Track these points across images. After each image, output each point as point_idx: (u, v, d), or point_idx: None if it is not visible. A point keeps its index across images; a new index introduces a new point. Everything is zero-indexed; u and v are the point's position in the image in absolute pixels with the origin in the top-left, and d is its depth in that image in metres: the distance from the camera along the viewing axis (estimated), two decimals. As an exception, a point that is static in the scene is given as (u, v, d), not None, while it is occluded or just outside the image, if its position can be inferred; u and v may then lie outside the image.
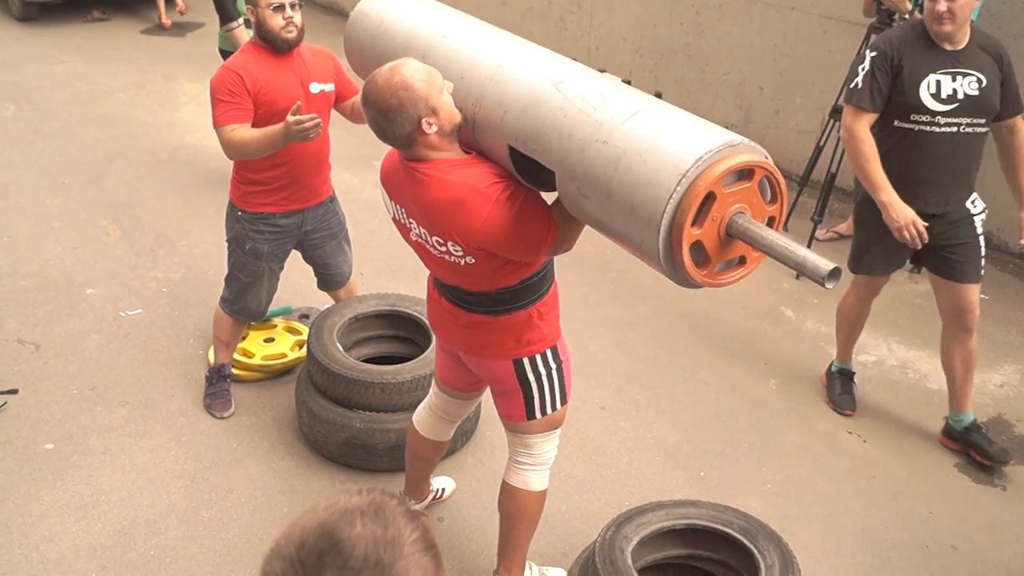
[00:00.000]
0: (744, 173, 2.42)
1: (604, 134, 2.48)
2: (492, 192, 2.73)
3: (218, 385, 4.57)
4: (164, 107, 8.43)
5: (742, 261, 2.56)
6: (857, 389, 4.80)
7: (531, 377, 3.13)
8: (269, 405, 4.59)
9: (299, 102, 3.82)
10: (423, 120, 2.71)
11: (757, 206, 2.48)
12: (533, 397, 3.16)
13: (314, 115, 3.74)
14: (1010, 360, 5.19)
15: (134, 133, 7.83)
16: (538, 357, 3.12)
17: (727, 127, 7.91)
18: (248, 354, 4.77)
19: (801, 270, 2.34)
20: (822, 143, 6.12)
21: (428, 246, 2.92)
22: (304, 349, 4.69)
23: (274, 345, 4.84)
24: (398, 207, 2.99)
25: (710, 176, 2.32)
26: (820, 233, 6.19)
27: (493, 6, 9.48)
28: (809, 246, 5.88)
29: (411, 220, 2.93)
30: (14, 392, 4.55)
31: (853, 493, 4.22)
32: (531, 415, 3.19)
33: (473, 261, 2.83)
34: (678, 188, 2.31)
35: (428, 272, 3.21)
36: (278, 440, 4.36)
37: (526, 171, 2.79)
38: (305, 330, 4.89)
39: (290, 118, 3.71)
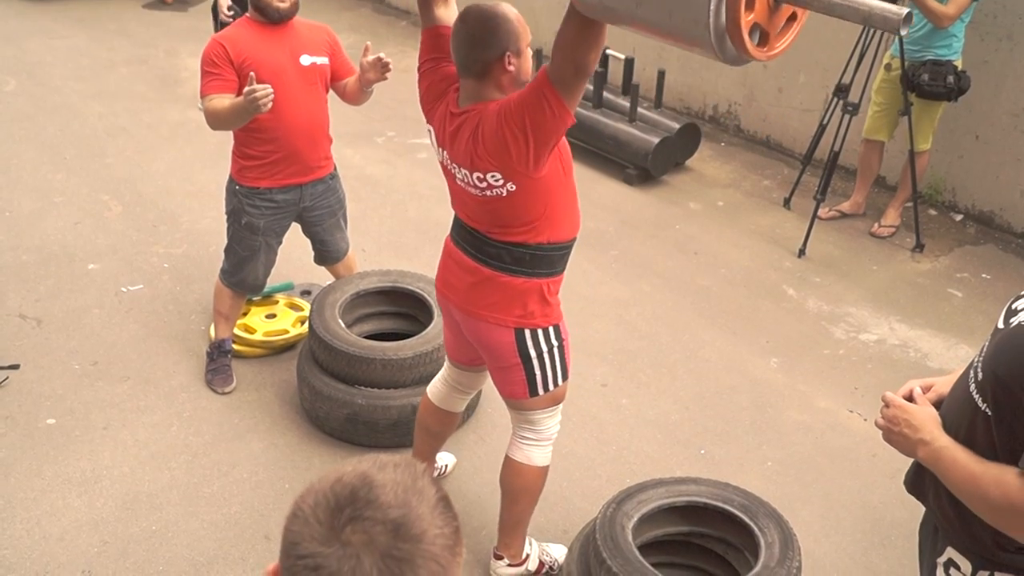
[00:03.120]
0: None
1: None
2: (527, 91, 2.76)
3: (219, 360, 4.57)
4: (166, 82, 8.40)
5: (792, 18, 2.31)
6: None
7: (532, 352, 3.14)
8: (271, 381, 4.60)
9: (253, 73, 3.80)
10: (508, 54, 2.83)
11: None
12: (535, 373, 3.17)
13: (267, 85, 3.72)
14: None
15: (136, 108, 7.81)
16: (540, 332, 3.13)
17: (730, 105, 7.95)
18: (250, 330, 4.77)
19: (869, 23, 2.08)
20: (825, 121, 6.10)
21: (470, 187, 2.95)
22: (306, 325, 4.70)
23: (276, 321, 4.85)
24: (441, 151, 3.04)
25: None
26: (823, 212, 6.18)
27: None
28: (811, 225, 5.89)
29: (453, 165, 2.98)
30: (16, 367, 4.56)
31: (853, 471, 4.23)
32: (534, 391, 3.21)
33: (515, 188, 2.85)
34: None
35: (445, 235, 3.24)
36: (280, 416, 4.37)
37: None
38: (307, 306, 4.89)
39: (246, 88, 3.72)
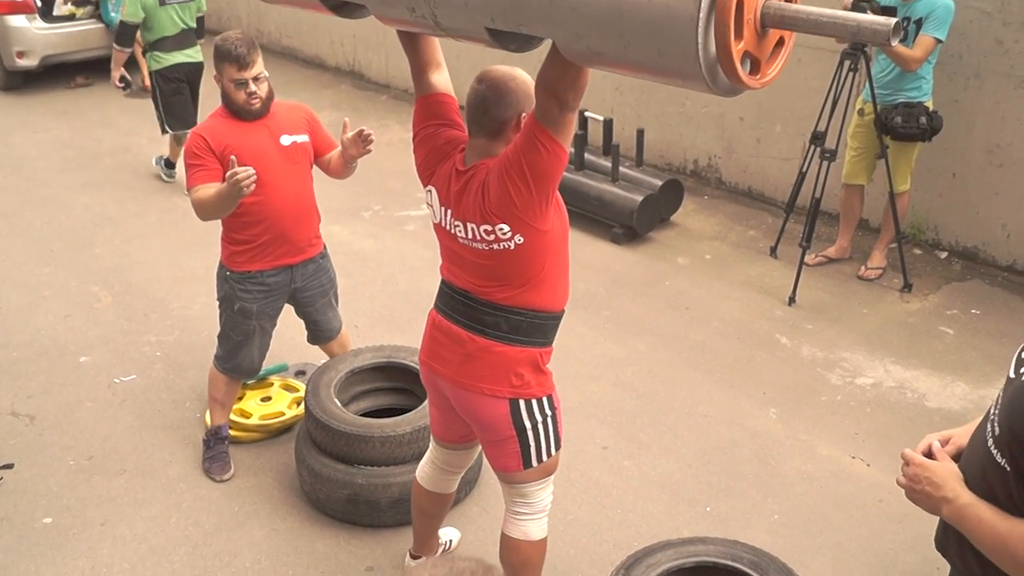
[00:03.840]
0: None
1: None
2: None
3: (216, 448, 4.53)
4: (151, 169, 8.43)
5: (780, 43, 2.32)
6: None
7: (527, 423, 3.12)
8: (269, 465, 4.57)
9: (233, 157, 3.84)
10: (522, 115, 2.89)
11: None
12: (529, 444, 3.15)
13: (248, 168, 3.75)
14: (1006, 374, 5.17)
15: (122, 197, 7.84)
16: (534, 402, 3.12)
17: (710, 159, 8.04)
18: (245, 414, 4.75)
19: (859, 38, 2.07)
20: (805, 169, 6.15)
21: (476, 242, 2.95)
22: (302, 406, 4.68)
23: (271, 404, 4.83)
24: (444, 210, 3.04)
25: None
26: (809, 258, 6.21)
27: (474, 51, 9.53)
28: (799, 272, 5.92)
29: (457, 222, 2.98)
30: (10, 467, 4.51)
31: (861, 518, 4.20)
32: (527, 463, 3.18)
33: (522, 240, 2.87)
34: (701, 13, 2.05)
35: (428, 308, 3.25)
36: (280, 501, 4.33)
37: (512, 44, 2.60)
38: (302, 387, 4.88)
39: (228, 172, 3.76)
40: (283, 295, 4.40)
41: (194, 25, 7.68)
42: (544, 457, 3.19)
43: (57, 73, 10.96)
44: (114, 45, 7.62)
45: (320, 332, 4.65)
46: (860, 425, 4.81)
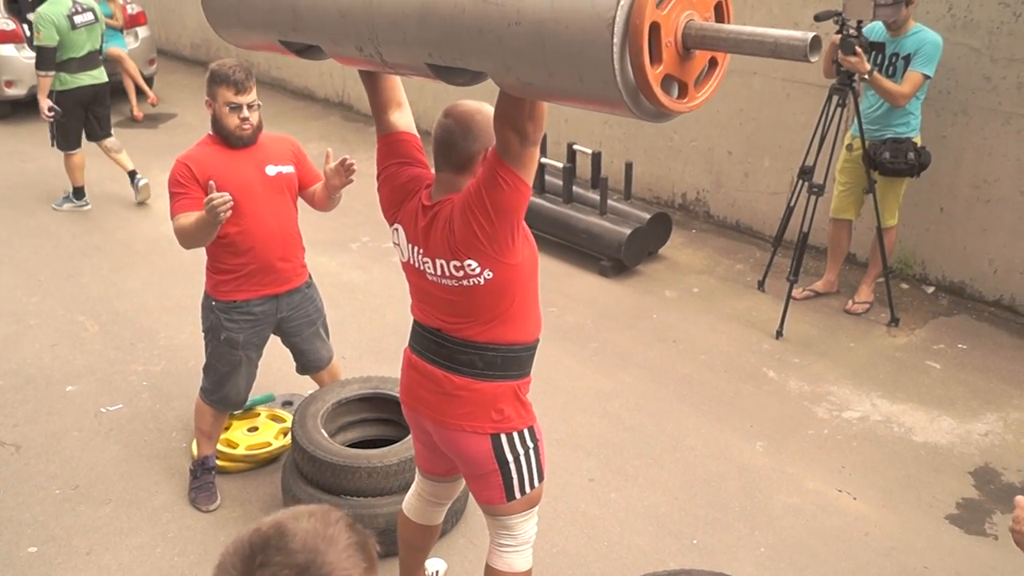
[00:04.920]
0: None
1: (512, 15, 2.22)
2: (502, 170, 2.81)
3: (202, 478, 4.50)
4: (133, 199, 8.43)
5: (713, 63, 2.31)
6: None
7: (509, 456, 3.10)
8: (255, 495, 4.55)
9: (212, 182, 3.89)
10: (490, 149, 2.85)
11: (699, 1, 2.21)
12: (512, 477, 3.13)
13: (225, 194, 3.77)
14: (992, 408, 5.21)
15: (109, 227, 7.84)
16: (515, 435, 3.11)
17: (698, 193, 8.07)
18: (232, 444, 4.73)
19: (778, 54, 2.07)
20: (792, 203, 6.19)
21: (446, 278, 2.95)
22: (289, 437, 4.66)
23: (258, 434, 4.81)
24: (413, 248, 3.03)
25: (642, 8, 2.05)
26: (797, 292, 6.24)
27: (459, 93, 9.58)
28: (786, 306, 5.94)
29: (426, 259, 2.98)
30: (-5, 496, 4.50)
31: (847, 552, 4.20)
32: (511, 496, 3.16)
33: (491, 276, 2.88)
34: (615, 39, 2.06)
35: (405, 345, 3.24)
36: (266, 530, 4.30)
37: (459, 78, 2.65)
38: (289, 417, 4.87)
39: (205, 199, 3.80)
40: (269, 325, 4.40)
41: (99, 46, 8.03)
42: (527, 489, 3.18)
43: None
44: (36, 71, 7.81)
45: (308, 362, 4.63)
46: (847, 459, 4.82)
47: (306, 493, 4.07)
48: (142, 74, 11.21)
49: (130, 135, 10.49)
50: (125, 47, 11.13)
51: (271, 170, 4.24)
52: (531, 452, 3.15)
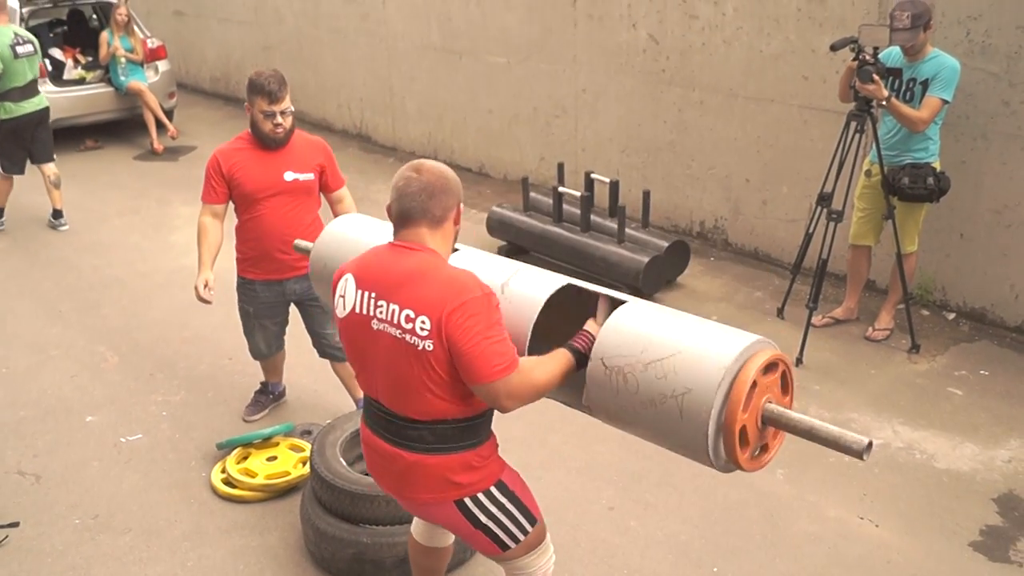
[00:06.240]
0: (771, 366, 2.70)
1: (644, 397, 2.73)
2: (485, 287, 2.82)
3: (256, 397, 5.43)
4: (159, 231, 8.52)
5: (764, 449, 2.81)
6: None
7: (484, 519, 3.03)
8: (274, 524, 4.54)
9: (205, 281, 4.72)
10: (460, 206, 2.99)
11: (775, 391, 2.74)
12: (496, 533, 3.06)
13: (209, 293, 4.70)
14: (1016, 434, 5.16)
15: (130, 258, 7.90)
16: (482, 496, 3.02)
17: (717, 220, 8.06)
18: (251, 473, 4.73)
19: (837, 447, 2.57)
20: (811, 230, 6.18)
21: (391, 328, 2.84)
22: (307, 466, 4.66)
23: (277, 464, 4.81)
24: (363, 293, 2.93)
25: (733, 415, 2.59)
26: (816, 319, 6.21)
27: (479, 114, 9.65)
28: (806, 333, 5.92)
29: (380, 302, 2.88)
30: (15, 525, 4.50)
31: (870, 581, 4.16)
32: (504, 547, 3.10)
33: (431, 348, 2.78)
34: (709, 442, 2.62)
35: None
36: (285, 560, 4.30)
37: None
38: (308, 447, 4.87)
39: (200, 284, 4.70)
40: (279, 304, 5.02)
41: (37, 76, 8.35)
42: (520, 537, 3.10)
43: (67, 136, 11.10)
44: None
45: (325, 347, 5.11)
46: (868, 486, 4.77)
47: (325, 522, 4.06)
48: (162, 107, 11.34)
49: (150, 168, 10.60)
50: (145, 80, 11.27)
51: (289, 176, 4.75)
52: (508, 505, 3.06)
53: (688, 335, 2.73)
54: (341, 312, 3.02)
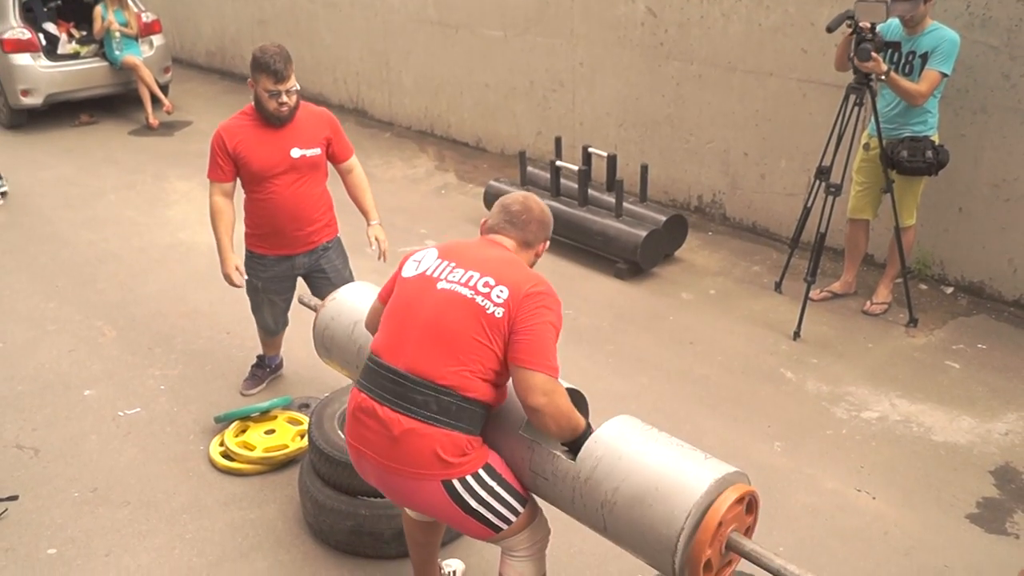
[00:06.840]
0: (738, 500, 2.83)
1: (608, 499, 2.92)
2: (557, 299, 3.08)
3: (254, 370, 5.42)
4: (155, 206, 8.49)
5: (728, 563, 2.92)
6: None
7: (474, 503, 3.01)
8: (272, 497, 4.55)
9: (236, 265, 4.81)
10: (546, 243, 3.35)
11: (740, 519, 2.88)
12: (486, 517, 3.04)
13: (242, 278, 4.84)
14: (1013, 408, 5.17)
15: (126, 233, 7.87)
16: (470, 478, 3.00)
17: (715, 195, 8.03)
18: (249, 447, 4.74)
19: None
20: (809, 204, 6.17)
21: (463, 288, 3.01)
22: (305, 439, 4.66)
23: (275, 437, 4.81)
24: (442, 261, 3.13)
25: (700, 550, 2.74)
26: (814, 293, 6.21)
27: (476, 88, 9.61)
28: (804, 307, 5.92)
29: (458, 269, 3.07)
30: (14, 498, 4.50)
31: (866, 552, 4.17)
32: (496, 529, 3.09)
33: (499, 315, 2.94)
34: (686, 523, 2.73)
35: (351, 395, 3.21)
36: (283, 532, 4.31)
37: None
38: (306, 420, 4.87)
39: (232, 270, 4.81)
40: (287, 279, 5.04)
41: None
42: (512, 518, 3.09)
43: (62, 111, 11.07)
44: None
45: None
46: (866, 458, 4.79)
47: (323, 494, 4.06)
48: (157, 82, 11.29)
49: (146, 143, 10.56)
50: (140, 55, 11.20)
51: (295, 152, 4.71)
52: (497, 487, 3.04)
53: (655, 472, 2.86)
54: (410, 273, 3.17)
